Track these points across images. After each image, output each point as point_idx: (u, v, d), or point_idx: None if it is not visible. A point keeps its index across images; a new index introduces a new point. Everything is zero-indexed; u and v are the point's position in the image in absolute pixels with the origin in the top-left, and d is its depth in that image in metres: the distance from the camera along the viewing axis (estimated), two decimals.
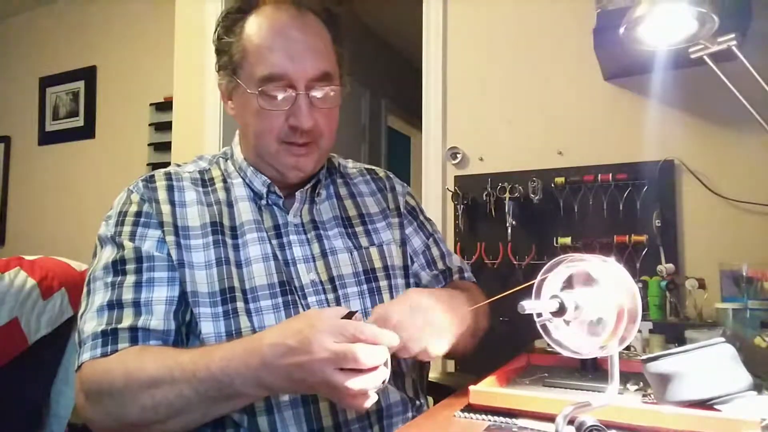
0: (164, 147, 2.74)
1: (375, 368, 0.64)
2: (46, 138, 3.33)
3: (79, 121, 3.21)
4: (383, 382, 0.66)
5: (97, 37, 3.18)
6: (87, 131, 3.17)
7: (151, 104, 2.90)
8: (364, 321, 0.71)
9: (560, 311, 0.57)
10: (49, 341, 1.18)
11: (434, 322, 0.76)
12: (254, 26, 0.87)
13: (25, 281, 1.15)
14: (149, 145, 2.89)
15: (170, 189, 0.91)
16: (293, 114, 0.86)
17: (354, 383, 0.63)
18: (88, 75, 3.19)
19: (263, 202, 0.93)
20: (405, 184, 1.13)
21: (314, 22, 0.89)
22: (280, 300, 0.85)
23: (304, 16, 0.88)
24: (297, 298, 0.86)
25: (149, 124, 2.90)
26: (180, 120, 2.52)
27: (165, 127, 2.74)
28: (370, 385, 0.64)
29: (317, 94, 0.87)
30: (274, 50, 0.85)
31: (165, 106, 2.79)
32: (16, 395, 1.15)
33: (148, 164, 2.87)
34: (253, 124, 0.88)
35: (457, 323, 0.80)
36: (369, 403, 0.65)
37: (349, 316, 0.68)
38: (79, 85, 3.21)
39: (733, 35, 1.03)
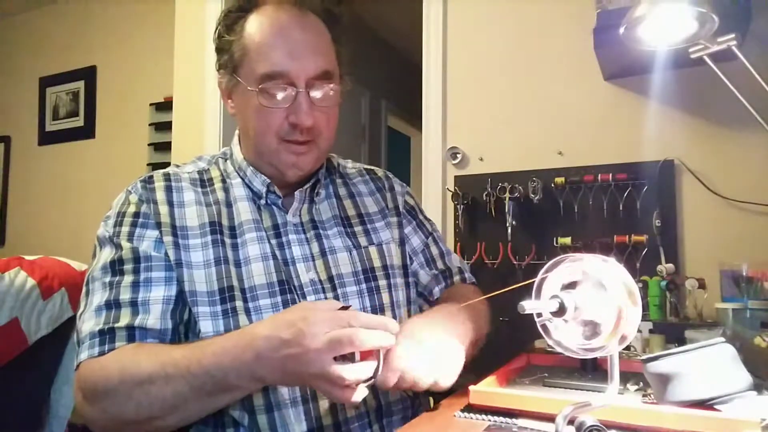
0: (164, 147, 2.74)
1: (367, 356, 0.65)
2: (46, 138, 3.33)
3: (79, 121, 3.21)
4: (375, 376, 0.66)
5: (97, 37, 3.18)
6: (87, 131, 3.18)
7: (151, 104, 2.90)
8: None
9: (560, 311, 0.57)
10: (49, 341, 1.18)
11: (442, 356, 0.76)
12: (255, 25, 0.88)
13: (25, 281, 1.15)
14: (149, 145, 2.89)
15: (168, 189, 0.91)
16: (293, 112, 0.86)
17: (348, 371, 0.63)
18: (88, 75, 3.19)
19: (262, 201, 0.93)
20: (404, 184, 1.13)
21: (315, 21, 0.90)
22: (279, 299, 0.85)
23: (304, 15, 0.89)
24: (296, 297, 0.86)
25: (149, 124, 2.90)
26: (180, 120, 2.52)
27: (165, 127, 2.74)
28: (363, 375, 0.64)
29: (317, 92, 0.87)
30: (275, 48, 0.85)
31: (165, 106, 2.79)
32: (16, 395, 1.15)
33: (148, 164, 2.87)
34: (253, 122, 0.88)
35: (462, 347, 0.81)
36: (359, 397, 0.66)
37: (344, 309, 0.68)
38: (79, 85, 3.21)
39: (733, 35, 1.03)
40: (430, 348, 0.75)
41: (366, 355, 0.65)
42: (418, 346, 0.74)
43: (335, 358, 0.64)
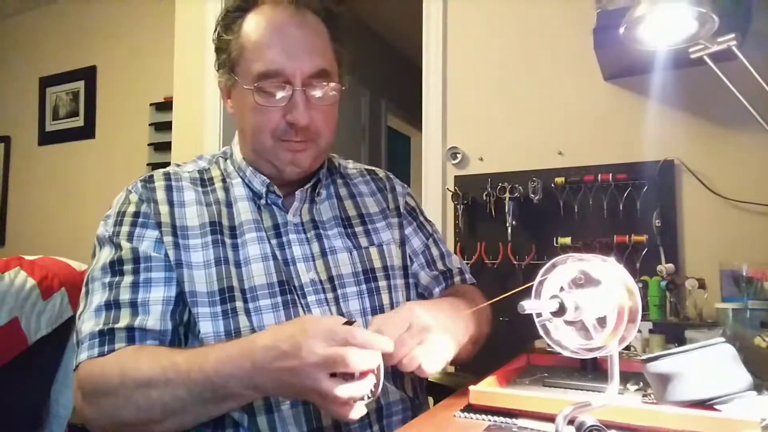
0: (164, 147, 2.74)
1: (366, 374, 0.64)
2: (46, 138, 3.33)
3: (79, 121, 3.21)
4: (374, 395, 0.65)
5: (97, 37, 3.18)
6: (87, 131, 3.18)
7: (151, 104, 2.90)
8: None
9: (560, 311, 0.57)
10: (49, 341, 1.18)
11: (433, 341, 0.75)
12: (252, 24, 0.88)
13: (25, 281, 1.15)
14: (149, 145, 2.89)
15: (169, 189, 0.91)
16: (289, 111, 0.86)
17: (341, 390, 0.62)
18: (88, 75, 3.19)
19: (262, 201, 0.93)
20: (405, 185, 1.13)
21: (312, 20, 0.90)
22: (279, 299, 0.85)
23: (302, 14, 0.88)
24: (296, 298, 0.86)
25: (149, 124, 2.91)
26: (180, 120, 2.52)
27: (165, 127, 2.74)
28: (358, 393, 0.63)
29: (314, 91, 0.87)
30: (270, 47, 0.85)
31: (165, 106, 2.79)
32: (16, 395, 1.15)
33: (148, 164, 2.87)
34: (250, 120, 0.88)
35: (457, 339, 0.80)
36: (357, 414, 0.65)
37: (349, 324, 0.67)
38: (79, 85, 3.21)
39: (733, 35, 1.03)
40: (423, 332, 0.74)
41: (366, 372, 0.64)
42: (410, 327, 0.73)
43: (335, 374, 0.63)
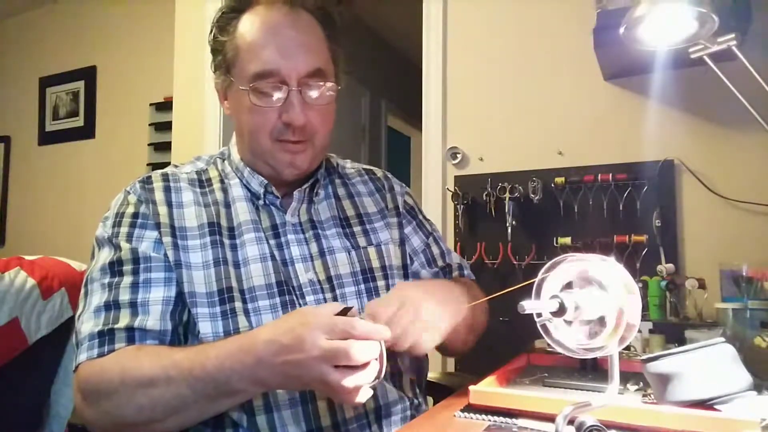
0: (164, 147, 2.74)
1: (368, 364, 0.65)
2: (46, 138, 3.33)
3: (79, 121, 3.21)
4: (378, 378, 0.67)
5: (97, 37, 3.18)
6: (87, 131, 3.18)
7: (151, 104, 2.90)
8: (360, 317, 0.71)
9: (560, 311, 0.57)
10: (49, 341, 1.18)
11: (424, 316, 0.75)
12: (247, 24, 0.88)
13: (25, 281, 1.15)
14: (149, 145, 2.90)
15: (167, 190, 0.91)
16: (286, 110, 0.86)
17: (348, 380, 0.63)
18: (88, 75, 3.19)
19: (260, 202, 0.93)
20: (403, 185, 1.13)
21: (307, 19, 0.90)
22: (278, 300, 0.85)
23: (296, 13, 0.89)
24: (295, 298, 0.86)
25: (149, 124, 2.91)
26: (180, 120, 2.52)
27: (165, 127, 2.74)
28: (364, 381, 0.64)
29: (310, 91, 0.87)
30: (266, 47, 0.85)
31: (165, 106, 2.79)
32: (16, 395, 1.15)
33: (148, 164, 2.87)
34: (247, 121, 0.88)
35: (449, 316, 0.80)
36: (364, 398, 0.66)
37: (345, 312, 0.68)
38: (79, 85, 3.21)
39: (733, 35, 1.04)
40: (413, 309, 0.74)
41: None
42: (401, 306, 0.74)
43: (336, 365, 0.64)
